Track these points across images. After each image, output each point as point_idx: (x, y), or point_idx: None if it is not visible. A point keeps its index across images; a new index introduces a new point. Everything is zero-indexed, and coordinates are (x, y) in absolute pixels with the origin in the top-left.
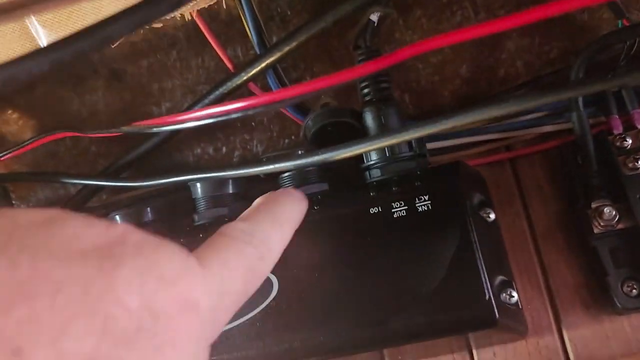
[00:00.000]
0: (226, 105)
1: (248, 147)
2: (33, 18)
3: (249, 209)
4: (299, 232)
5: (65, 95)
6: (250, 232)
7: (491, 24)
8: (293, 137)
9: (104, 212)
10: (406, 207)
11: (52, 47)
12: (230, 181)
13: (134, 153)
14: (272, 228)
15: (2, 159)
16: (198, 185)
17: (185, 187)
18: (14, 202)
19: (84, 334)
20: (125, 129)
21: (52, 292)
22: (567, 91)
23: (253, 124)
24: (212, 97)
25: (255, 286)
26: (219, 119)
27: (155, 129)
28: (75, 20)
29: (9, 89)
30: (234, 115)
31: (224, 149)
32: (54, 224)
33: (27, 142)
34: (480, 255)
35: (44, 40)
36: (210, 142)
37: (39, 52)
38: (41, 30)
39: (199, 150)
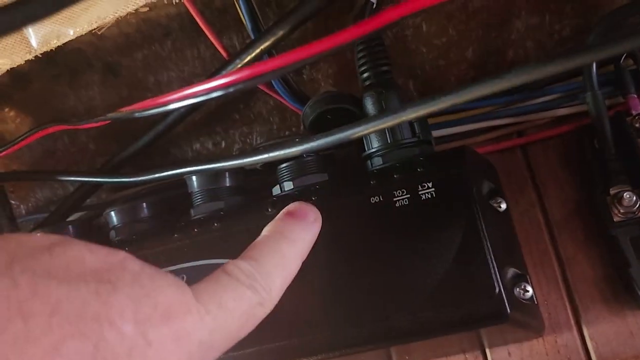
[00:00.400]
0: (208, 82)
1: (248, 140)
2: None
3: (256, 241)
4: None
5: (61, 91)
6: (254, 275)
7: None
8: (294, 129)
9: (101, 210)
10: (409, 196)
11: None
12: (227, 174)
13: (130, 149)
14: (277, 271)
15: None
16: (194, 178)
17: (183, 183)
18: (13, 202)
19: (76, 354)
20: (111, 115)
21: (49, 312)
22: (579, 56)
23: (252, 116)
24: None
25: (251, 329)
26: (202, 98)
27: (139, 114)
28: (66, 18)
29: None
30: (216, 93)
31: (223, 143)
32: (57, 247)
33: (21, 138)
34: (489, 245)
35: (34, 42)
36: (209, 136)
37: None
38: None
39: (197, 146)
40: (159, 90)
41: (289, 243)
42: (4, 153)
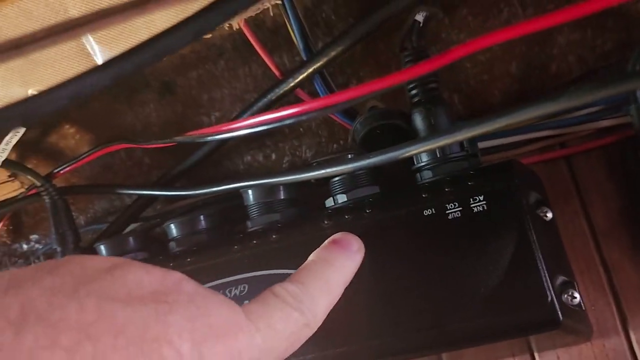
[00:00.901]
0: (279, 112)
1: (297, 153)
2: (89, 36)
3: (302, 266)
4: None
5: (119, 109)
6: (300, 298)
7: (544, 19)
8: (341, 142)
9: (159, 221)
10: (461, 208)
11: (114, 61)
12: (282, 187)
13: (186, 163)
14: (322, 295)
15: (62, 172)
16: (250, 192)
17: (237, 194)
18: (73, 213)
19: None
20: (178, 139)
21: (115, 333)
22: (628, 82)
23: (301, 130)
24: (260, 104)
25: (296, 348)
26: (271, 126)
27: (208, 138)
28: (128, 35)
29: (74, 104)
30: (287, 122)
31: (273, 156)
32: (118, 270)
33: (85, 155)
34: (540, 255)
35: (99, 57)
36: (259, 149)
37: (105, 66)
38: (97, 47)
39: (248, 158)
40: (212, 106)
41: (334, 270)
42: (69, 168)
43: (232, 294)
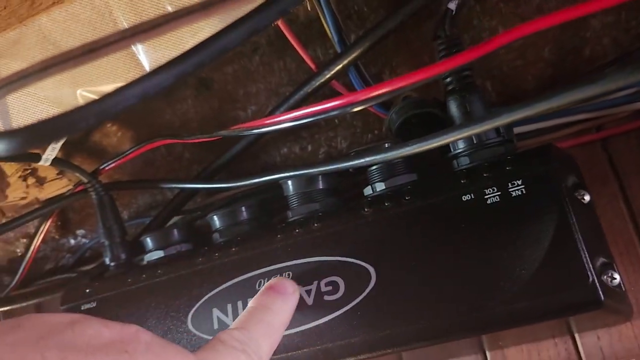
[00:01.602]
0: (323, 104)
1: (333, 144)
2: (137, 44)
3: (244, 312)
4: (392, 222)
5: (159, 107)
6: (245, 342)
7: (587, 5)
8: (376, 132)
9: (201, 213)
10: (499, 193)
11: (176, 61)
12: (321, 177)
13: (225, 157)
14: (264, 337)
15: (107, 168)
16: (290, 182)
17: (275, 186)
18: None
19: None
20: (223, 132)
21: None
22: None
23: (336, 121)
24: (296, 97)
25: None
26: (315, 118)
27: (253, 131)
28: (175, 43)
29: (141, 103)
30: (332, 113)
31: (309, 147)
32: (77, 324)
33: (130, 151)
34: (580, 236)
35: (146, 65)
36: (296, 141)
37: (168, 66)
38: (143, 53)
39: (285, 150)
40: (248, 101)
41: (273, 314)
42: (114, 164)
43: None
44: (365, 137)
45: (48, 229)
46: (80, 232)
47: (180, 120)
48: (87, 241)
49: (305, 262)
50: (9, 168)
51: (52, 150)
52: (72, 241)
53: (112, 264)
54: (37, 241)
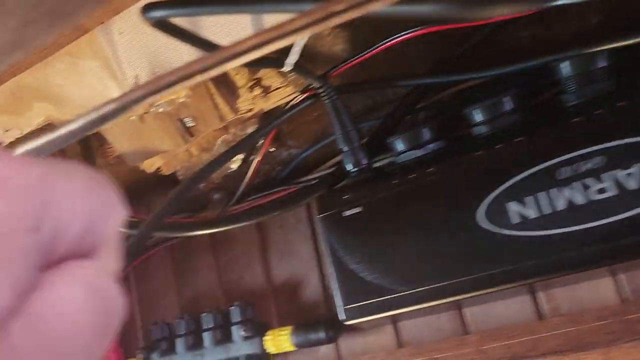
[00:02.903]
0: None
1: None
2: None
3: None
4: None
5: None
6: None
7: None
8: None
9: (454, 107)
10: None
11: None
12: (601, 54)
13: (463, 47)
14: None
15: (337, 72)
16: (567, 63)
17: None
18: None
19: None
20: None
21: None
22: None
23: None
24: None
25: None
26: None
27: None
28: None
29: None
30: None
31: (556, 27)
32: None
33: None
34: None
35: None
36: (540, 20)
37: None
38: None
39: (525, 34)
40: None
41: None
42: (347, 66)
43: (585, 168)
44: None
45: (269, 141)
46: (290, 142)
47: None
48: (297, 152)
49: (620, 145)
50: (240, 79)
51: (294, 55)
52: (285, 153)
53: (355, 169)
54: (259, 156)
